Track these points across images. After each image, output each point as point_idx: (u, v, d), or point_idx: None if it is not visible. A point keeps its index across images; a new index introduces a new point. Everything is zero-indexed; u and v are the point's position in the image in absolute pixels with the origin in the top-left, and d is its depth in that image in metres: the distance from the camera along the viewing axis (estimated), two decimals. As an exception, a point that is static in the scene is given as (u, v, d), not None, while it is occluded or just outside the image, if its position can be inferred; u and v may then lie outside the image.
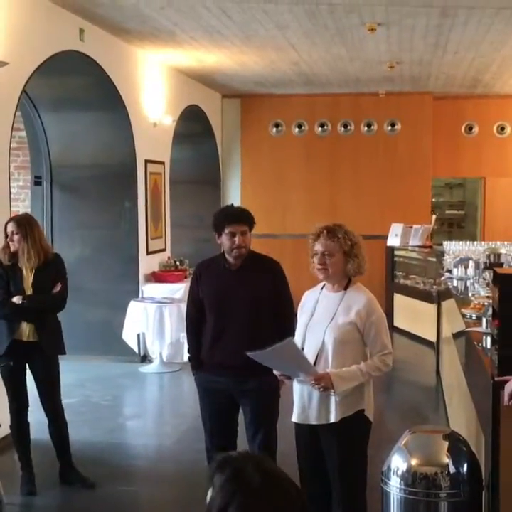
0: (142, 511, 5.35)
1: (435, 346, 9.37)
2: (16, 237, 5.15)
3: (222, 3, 7.00)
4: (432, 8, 7.18)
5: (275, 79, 11.16)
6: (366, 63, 9.94)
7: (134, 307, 8.91)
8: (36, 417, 5.46)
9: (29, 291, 5.16)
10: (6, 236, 5.18)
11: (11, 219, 5.38)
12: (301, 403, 3.81)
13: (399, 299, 11.34)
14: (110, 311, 9.11)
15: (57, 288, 5.26)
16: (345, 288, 3.86)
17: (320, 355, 3.75)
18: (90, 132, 8.87)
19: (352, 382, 3.69)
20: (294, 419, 3.86)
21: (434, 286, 9.79)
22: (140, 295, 9.24)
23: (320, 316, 3.84)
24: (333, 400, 3.71)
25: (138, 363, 9.15)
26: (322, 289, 3.96)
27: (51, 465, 5.46)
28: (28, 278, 5.19)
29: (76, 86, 8.48)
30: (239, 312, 4.36)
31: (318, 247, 3.79)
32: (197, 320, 4.52)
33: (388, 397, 7.96)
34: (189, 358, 4.68)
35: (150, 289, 9.32)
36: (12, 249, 5.18)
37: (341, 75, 10.91)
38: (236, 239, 4.31)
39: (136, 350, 9.14)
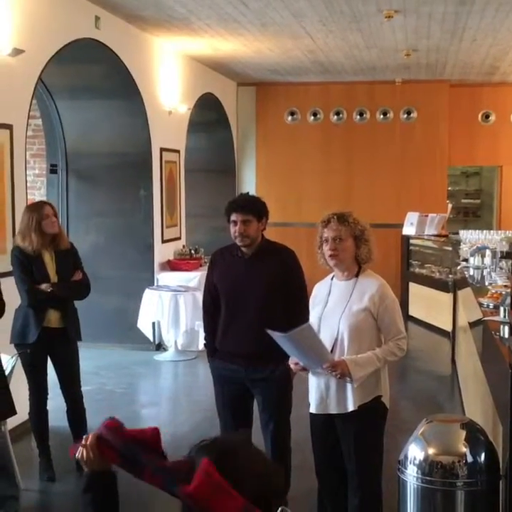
0: (160, 497, 5.34)
1: (451, 335, 9.34)
2: (54, 219, 5.19)
3: (238, -10, 6.98)
4: (449, -5, 7.12)
5: (290, 67, 11.11)
6: (382, 51, 9.87)
7: (149, 295, 8.93)
8: (53, 403, 5.49)
9: (55, 279, 5.19)
10: (39, 220, 5.13)
11: (43, 203, 5.41)
12: (318, 394, 3.80)
13: (414, 288, 11.30)
14: (125, 299, 9.13)
15: (80, 275, 5.32)
16: (357, 275, 3.85)
17: (336, 344, 3.74)
18: (106, 120, 8.87)
19: (368, 368, 3.68)
20: (312, 410, 3.86)
21: (450, 276, 9.75)
22: (155, 283, 9.25)
23: (333, 306, 3.83)
24: (350, 387, 3.70)
25: (153, 351, 9.18)
26: (332, 279, 3.94)
27: (68, 452, 5.47)
28: (52, 265, 5.21)
29: (91, 74, 8.47)
30: (251, 300, 4.36)
31: (329, 232, 3.78)
32: (212, 307, 4.53)
33: (403, 385, 7.94)
34: (205, 344, 4.69)
35: (165, 278, 9.33)
36: (52, 231, 5.18)
37: (357, 63, 10.85)
38: (237, 228, 4.31)
39: (151, 339, 9.16)
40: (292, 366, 3.87)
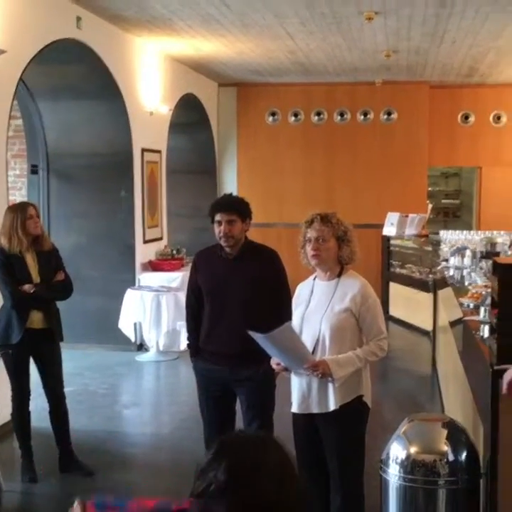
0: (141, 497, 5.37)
1: (431, 335, 9.41)
2: (37, 220, 5.20)
3: (220, -9, 7.00)
4: (429, -3, 7.18)
5: (272, 67, 11.14)
6: (363, 52, 9.92)
7: (130, 296, 8.92)
8: (35, 404, 5.49)
9: (37, 280, 5.19)
10: (23, 221, 5.13)
11: (27, 204, 5.40)
12: (300, 393, 3.83)
13: (394, 287, 11.37)
14: (107, 300, 9.12)
15: (62, 276, 5.33)
16: (339, 275, 3.88)
17: (317, 344, 3.77)
18: (87, 121, 8.86)
19: (349, 368, 3.71)
20: (294, 409, 3.88)
21: (430, 275, 9.82)
22: (137, 284, 9.24)
23: (315, 306, 3.86)
24: (331, 387, 3.73)
25: (134, 352, 9.18)
26: (315, 279, 3.97)
27: (50, 453, 5.49)
28: (34, 266, 5.21)
29: (73, 74, 8.46)
30: (234, 301, 4.38)
31: (312, 233, 3.80)
32: (196, 308, 4.54)
33: (384, 385, 7.99)
34: (188, 345, 4.71)
35: (147, 278, 9.32)
36: (35, 232, 5.19)
37: (338, 64, 10.90)
38: (222, 228, 4.32)
39: (133, 339, 9.15)
40: (274, 366, 3.90)
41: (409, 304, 10.85)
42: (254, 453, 1.91)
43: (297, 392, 3.85)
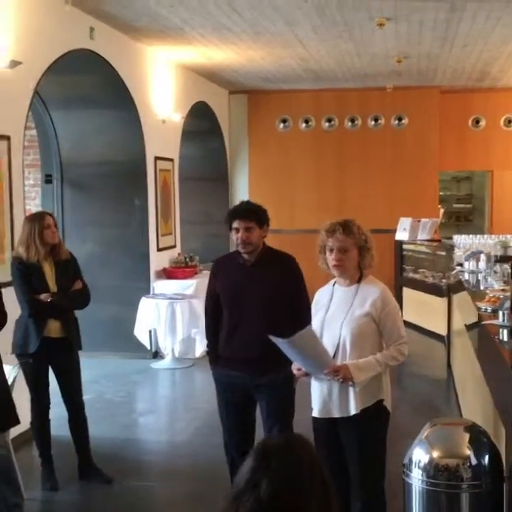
0: (159, 506, 5.39)
1: (445, 339, 9.40)
2: (55, 230, 5.24)
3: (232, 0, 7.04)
4: (440, 3, 7.20)
5: (282, 74, 11.18)
6: (374, 58, 9.96)
7: (145, 304, 8.96)
8: (54, 412, 5.51)
9: (54, 289, 5.23)
10: (41, 230, 5.17)
11: (44, 213, 5.45)
12: (321, 398, 3.85)
13: (408, 292, 11.37)
14: (121, 308, 9.16)
15: (79, 285, 5.36)
16: (358, 281, 3.90)
17: (338, 349, 3.78)
18: (100, 130, 8.91)
19: (370, 372, 3.73)
20: (315, 414, 3.90)
21: (444, 280, 9.81)
22: (151, 292, 9.28)
23: (335, 311, 3.87)
24: (352, 392, 3.75)
25: (150, 360, 9.21)
26: (334, 285, 3.99)
27: (69, 460, 5.52)
28: (52, 275, 5.25)
29: (86, 84, 8.52)
30: (253, 307, 4.40)
31: (334, 243, 3.81)
32: (215, 315, 4.56)
33: (399, 390, 7.98)
34: (207, 352, 4.73)
35: (161, 286, 9.36)
36: (52, 242, 5.23)
37: (348, 70, 10.93)
38: (240, 235, 4.35)
39: (148, 347, 9.19)
40: (295, 372, 3.91)
41: (422, 309, 10.85)
42: (298, 465, 1.94)
43: (318, 397, 3.86)
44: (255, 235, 4.36)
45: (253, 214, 4.38)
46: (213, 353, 4.60)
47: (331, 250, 3.82)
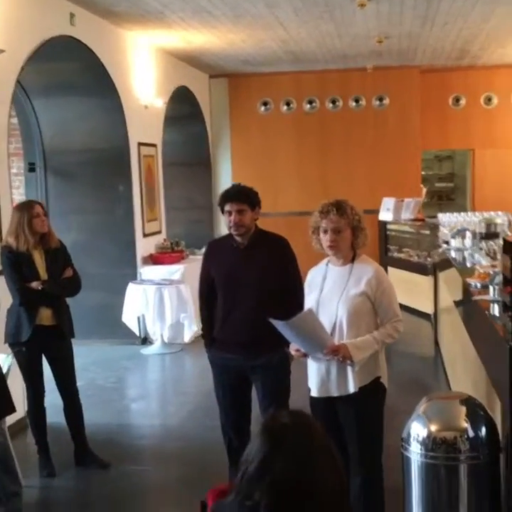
0: (155, 489, 5.42)
1: (432, 317, 9.48)
2: (44, 219, 5.23)
3: (213, -17, 7.02)
4: (421, -18, 7.22)
5: (263, 57, 11.16)
6: (355, 39, 9.96)
7: (133, 290, 8.96)
8: (49, 400, 5.53)
9: (45, 277, 5.23)
10: (30, 219, 5.15)
11: (33, 202, 5.44)
12: (319, 378, 3.88)
13: (393, 272, 11.41)
14: (109, 295, 9.16)
15: (70, 272, 5.36)
16: (352, 260, 3.93)
17: (335, 329, 3.82)
18: (82, 117, 8.87)
19: (368, 351, 3.78)
20: (314, 393, 3.94)
21: (429, 259, 9.89)
22: (138, 278, 9.29)
23: (330, 291, 3.90)
24: (350, 370, 3.79)
25: (139, 345, 9.23)
26: (327, 264, 4.02)
27: (65, 447, 5.55)
28: (42, 263, 5.25)
29: (67, 71, 8.47)
30: (247, 289, 4.43)
31: (328, 224, 3.83)
32: (209, 298, 4.59)
33: (388, 369, 8.01)
34: (202, 335, 4.76)
35: (148, 272, 9.37)
36: (42, 230, 5.22)
37: (329, 52, 10.93)
38: (232, 217, 4.38)
39: (137, 333, 9.21)
40: (293, 353, 3.95)
41: (407, 288, 10.91)
42: (296, 438, 1.96)
43: (316, 377, 3.90)
44: (248, 218, 4.39)
45: (245, 196, 4.41)
46: (208, 336, 4.62)
47: (325, 231, 3.84)
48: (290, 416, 2.04)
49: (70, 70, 8.46)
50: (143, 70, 9.67)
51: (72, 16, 7.53)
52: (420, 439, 3.35)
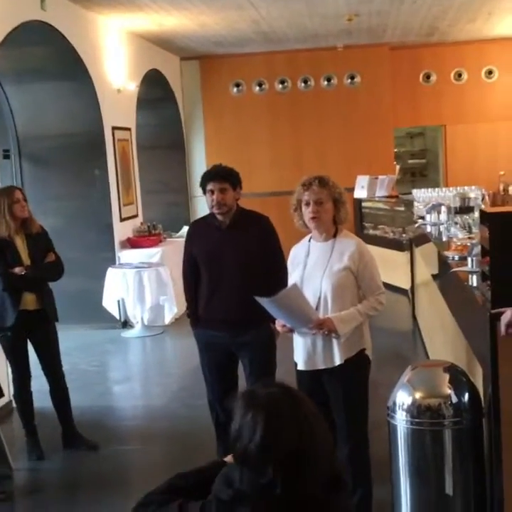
0: (144, 467, 5.49)
1: (409, 292, 9.61)
2: (24, 204, 5.25)
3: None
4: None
5: (234, 38, 11.16)
6: (325, 18, 9.99)
7: (112, 274, 8.99)
8: (35, 384, 5.58)
9: (27, 262, 5.26)
10: (10, 205, 5.18)
11: (13, 187, 5.46)
12: (305, 351, 3.96)
13: (369, 249, 11.51)
14: (89, 280, 9.17)
15: (52, 257, 5.40)
16: (334, 236, 4.00)
17: (319, 303, 3.89)
18: (56, 102, 8.85)
19: (353, 323, 3.86)
20: (300, 367, 4.01)
21: (404, 235, 10.01)
22: (117, 262, 9.31)
23: (314, 266, 3.98)
24: (336, 343, 3.87)
25: (120, 329, 9.27)
26: (310, 241, 4.09)
27: (52, 430, 5.60)
28: (24, 249, 5.27)
29: (38, 56, 8.43)
30: (231, 268, 4.50)
31: (311, 195, 3.90)
32: (193, 278, 4.65)
33: (369, 343, 8.16)
34: (187, 314, 4.82)
35: (126, 255, 9.40)
36: (22, 216, 5.25)
37: (299, 31, 10.95)
38: (215, 196, 4.43)
39: (117, 316, 9.24)
40: (279, 328, 4.03)
41: (384, 264, 10.88)
42: (286, 406, 2.04)
43: (302, 351, 3.98)
44: (229, 196, 4.46)
45: (227, 175, 4.48)
46: (194, 315, 4.69)
47: (307, 204, 3.91)
48: (272, 386, 2.11)
49: (42, 55, 8.42)
50: (115, 54, 9.65)
51: (42, 0, 7.48)
52: (405, 406, 3.45)
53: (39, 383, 5.63)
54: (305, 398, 2.12)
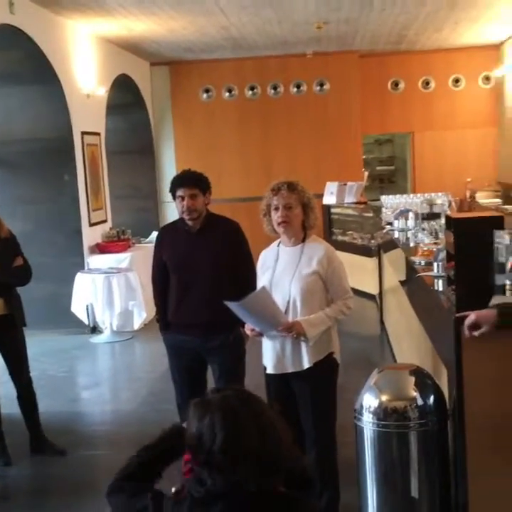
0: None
1: (377, 298, 9.68)
2: None
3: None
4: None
5: (203, 44, 11.20)
6: (294, 25, 10.07)
7: (81, 279, 8.96)
8: (2, 390, 5.54)
9: None
10: None
11: None
12: (275, 355, 3.99)
13: (338, 255, 11.58)
14: (57, 285, 9.13)
15: (20, 261, 5.37)
16: (303, 240, 4.04)
17: (288, 307, 3.93)
18: (25, 106, 8.81)
19: (321, 327, 3.90)
20: (269, 370, 4.04)
21: (372, 241, 10.08)
22: (86, 267, 9.28)
23: (282, 271, 4.01)
24: (304, 347, 3.91)
25: (88, 335, 9.23)
26: (279, 245, 4.13)
27: (19, 436, 5.56)
28: None
29: (7, 60, 8.42)
30: (200, 273, 4.52)
31: (280, 200, 3.94)
32: (162, 283, 4.66)
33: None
34: (157, 319, 4.83)
35: (95, 261, 9.37)
36: None
37: (269, 38, 11.02)
38: (185, 202, 4.45)
39: (86, 322, 9.20)
40: (248, 332, 4.06)
41: (352, 270, 10.94)
42: (241, 405, 2.08)
43: (271, 354, 4.01)
44: (200, 202, 4.48)
45: (197, 181, 4.50)
46: (163, 319, 4.70)
47: (276, 208, 3.95)
48: (225, 390, 2.15)
49: (11, 59, 8.40)
50: (84, 59, 9.63)
51: (11, 3, 7.47)
52: (372, 409, 3.49)
53: (6, 389, 5.59)
54: (259, 398, 2.17)
